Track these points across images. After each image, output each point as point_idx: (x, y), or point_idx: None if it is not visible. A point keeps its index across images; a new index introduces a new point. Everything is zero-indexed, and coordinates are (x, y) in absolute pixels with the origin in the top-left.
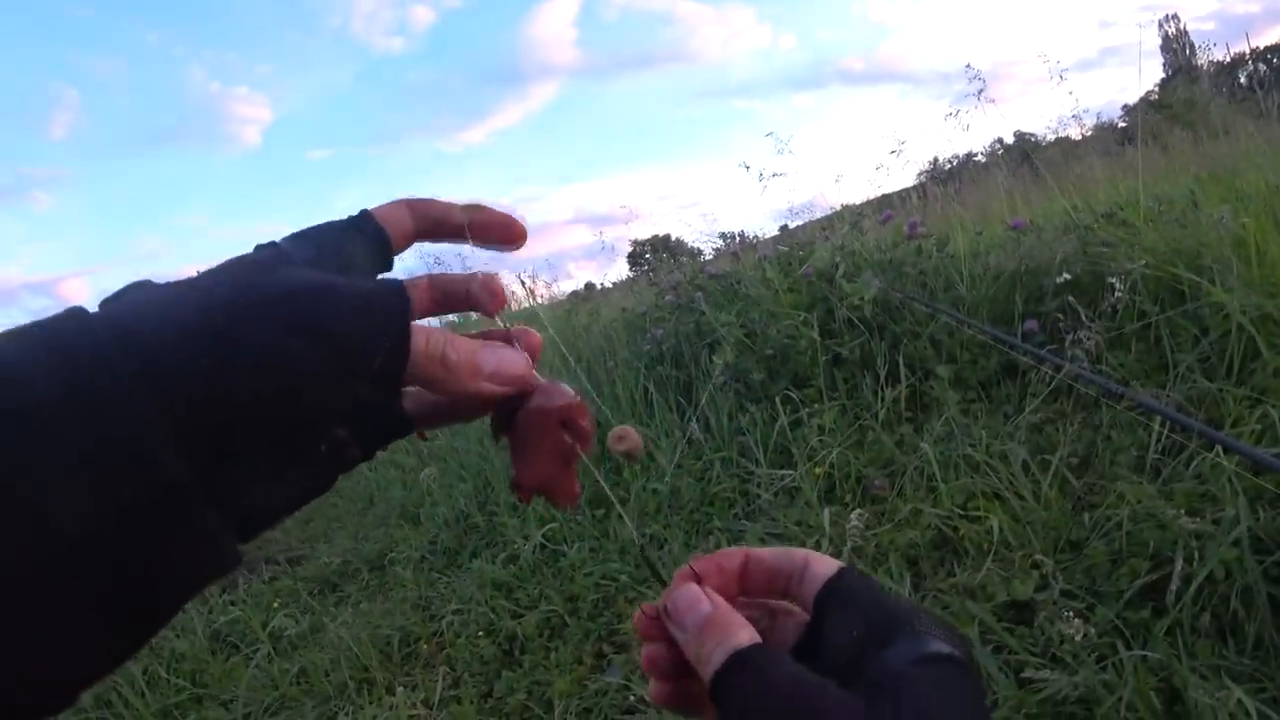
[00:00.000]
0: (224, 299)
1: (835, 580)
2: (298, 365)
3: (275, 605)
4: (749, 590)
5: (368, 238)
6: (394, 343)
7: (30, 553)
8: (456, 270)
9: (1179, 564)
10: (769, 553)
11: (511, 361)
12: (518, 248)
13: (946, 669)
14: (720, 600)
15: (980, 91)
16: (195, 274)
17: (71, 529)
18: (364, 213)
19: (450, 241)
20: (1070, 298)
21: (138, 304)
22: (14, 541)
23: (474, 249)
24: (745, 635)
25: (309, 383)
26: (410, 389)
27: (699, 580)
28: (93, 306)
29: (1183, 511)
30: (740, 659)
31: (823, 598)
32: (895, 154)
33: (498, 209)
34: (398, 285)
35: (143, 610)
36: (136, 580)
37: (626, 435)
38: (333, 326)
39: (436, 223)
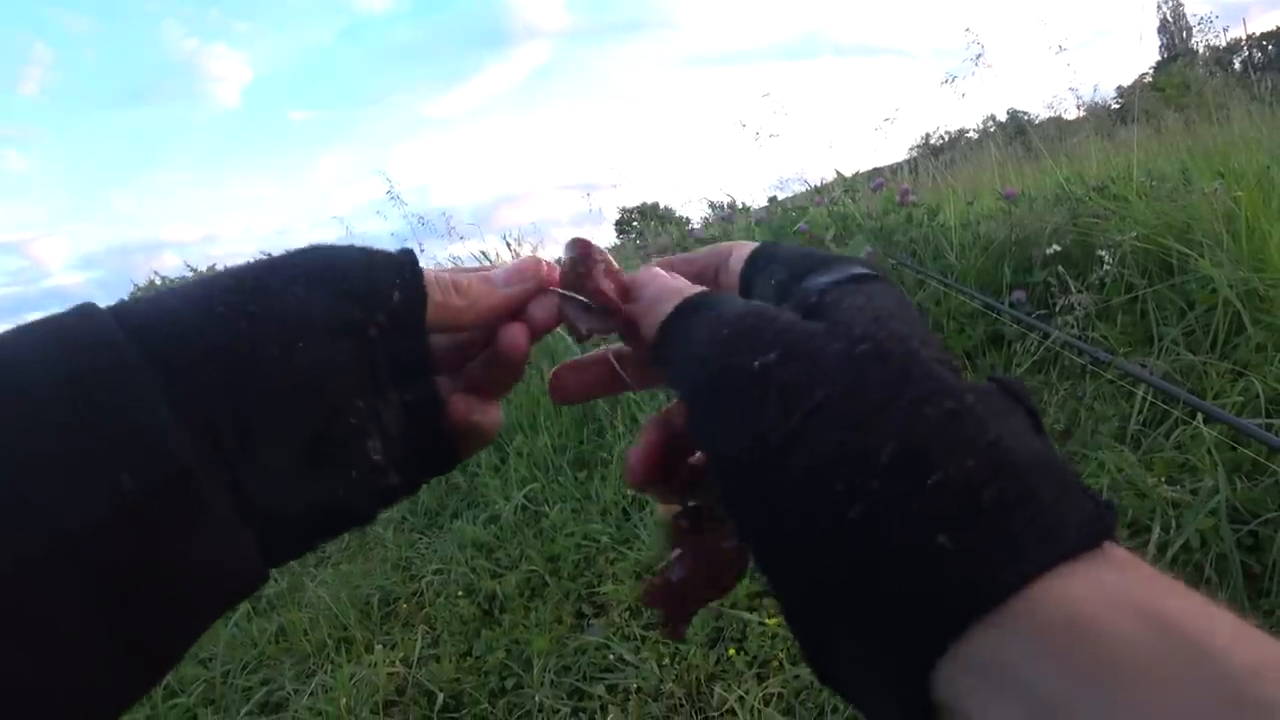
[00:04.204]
0: (231, 273)
1: (758, 250)
2: (310, 312)
3: None
4: None
5: None
6: (407, 279)
7: (26, 551)
8: (440, 233)
9: (1156, 531)
10: (698, 252)
11: (520, 264)
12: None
13: (873, 285)
14: (677, 275)
15: (978, 57)
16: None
17: (70, 523)
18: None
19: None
20: (1060, 268)
21: (147, 297)
22: (7, 540)
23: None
24: (695, 289)
25: (324, 330)
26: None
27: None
28: (67, 265)
29: (1162, 480)
30: (687, 304)
31: (746, 270)
32: (889, 121)
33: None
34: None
35: (155, 618)
36: (145, 579)
37: None
38: (342, 271)
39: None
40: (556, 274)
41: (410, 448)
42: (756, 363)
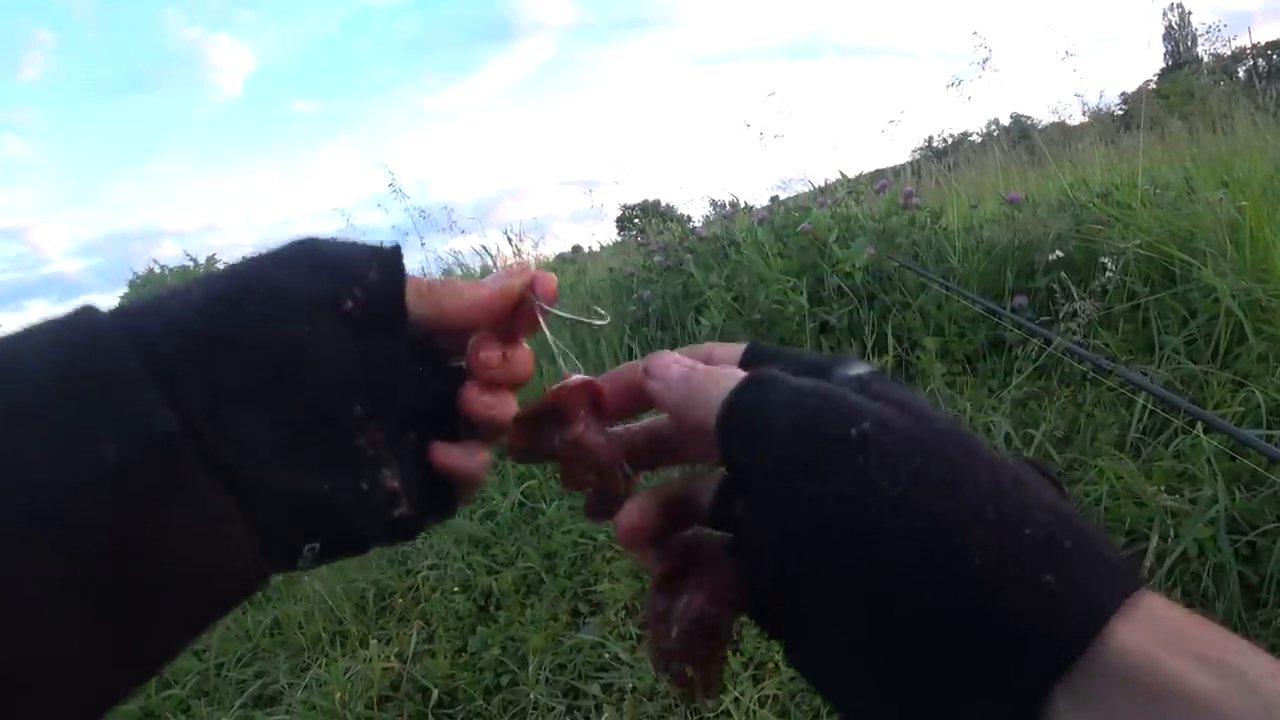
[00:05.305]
0: (221, 271)
1: (751, 349)
2: (284, 288)
3: None
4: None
5: None
6: (385, 260)
7: (7, 516)
8: (442, 227)
9: (1154, 541)
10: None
11: (508, 268)
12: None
13: (884, 377)
14: (682, 358)
15: (985, 60)
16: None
17: (53, 490)
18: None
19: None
20: (1062, 274)
21: (147, 296)
22: None
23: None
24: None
25: (298, 303)
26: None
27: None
28: (66, 252)
29: (1161, 489)
30: (755, 380)
31: (746, 364)
32: (894, 123)
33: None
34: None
35: (146, 600)
36: (130, 551)
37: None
38: (323, 254)
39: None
40: (551, 285)
41: (425, 484)
42: (854, 430)
